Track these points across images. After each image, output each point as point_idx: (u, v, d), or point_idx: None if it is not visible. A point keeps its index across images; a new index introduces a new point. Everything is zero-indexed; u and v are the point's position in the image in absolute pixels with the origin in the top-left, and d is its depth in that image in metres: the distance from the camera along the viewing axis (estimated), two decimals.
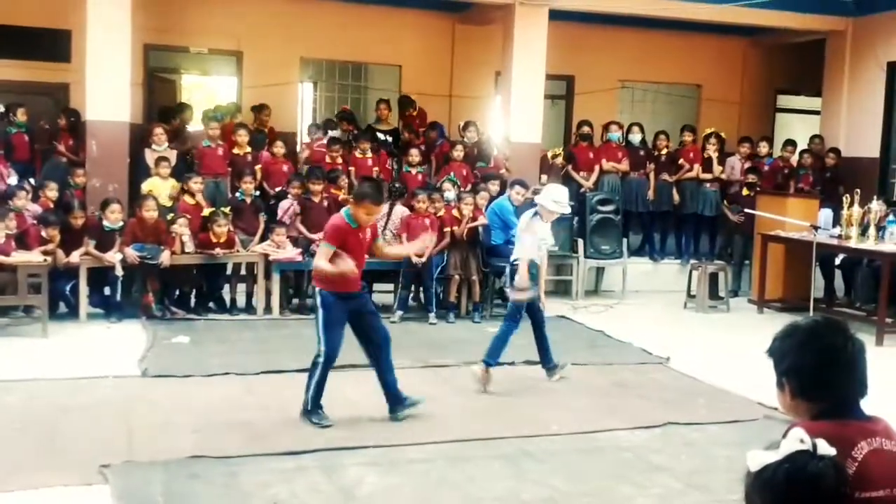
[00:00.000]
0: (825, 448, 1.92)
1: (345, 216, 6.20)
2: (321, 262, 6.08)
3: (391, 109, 13.03)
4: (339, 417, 6.32)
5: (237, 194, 10.36)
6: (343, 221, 6.18)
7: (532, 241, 7.30)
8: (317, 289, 6.20)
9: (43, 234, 9.03)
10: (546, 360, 7.60)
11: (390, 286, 10.47)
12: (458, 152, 11.57)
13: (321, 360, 6.14)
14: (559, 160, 12.30)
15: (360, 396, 6.81)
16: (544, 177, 12.00)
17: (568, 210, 7.62)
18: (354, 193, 6.52)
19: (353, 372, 7.16)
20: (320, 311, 6.14)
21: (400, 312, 9.79)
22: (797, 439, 1.93)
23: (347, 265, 6.02)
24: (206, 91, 19.49)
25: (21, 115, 11.12)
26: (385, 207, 9.58)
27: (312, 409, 6.20)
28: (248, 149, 11.22)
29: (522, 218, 7.51)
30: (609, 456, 5.79)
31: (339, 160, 11.28)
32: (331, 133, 12.24)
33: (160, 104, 13.52)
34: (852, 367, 2.26)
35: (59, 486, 4.91)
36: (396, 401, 6.39)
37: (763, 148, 13.12)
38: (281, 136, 11.80)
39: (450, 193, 10.34)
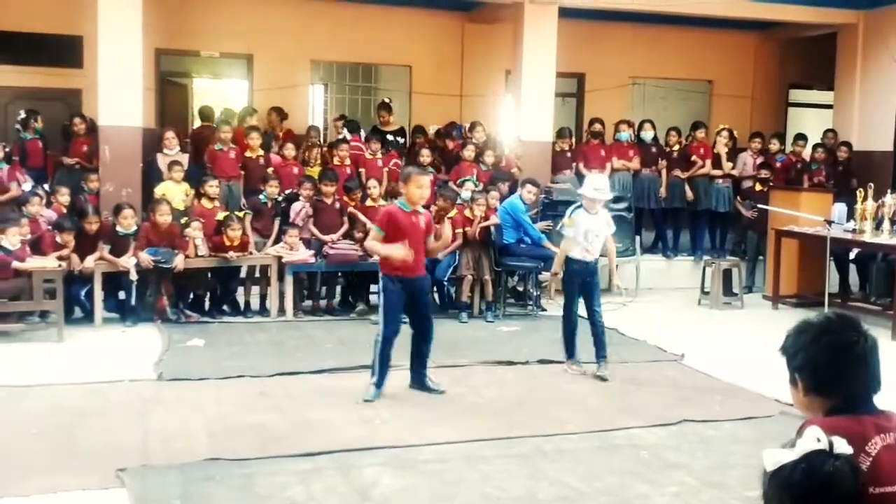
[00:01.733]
0: (842, 447, 1.91)
1: (398, 203, 6.89)
2: (371, 242, 6.86)
3: (392, 112, 13.01)
4: (354, 418, 6.34)
5: (260, 196, 10.35)
6: (393, 206, 6.90)
7: (573, 234, 7.51)
8: (380, 273, 6.80)
9: (58, 239, 9.08)
10: (596, 353, 7.76)
11: None
12: (469, 152, 11.57)
13: (379, 339, 6.73)
14: (559, 145, 12.23)
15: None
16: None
17: (607, 196, 7.79)
18: (401, 177, 7.25)
19: (365, 373, 7.17)
20: (381, 295, 6.80)
21: None
22: (813, 438, 1.92)
23: (398, 250, 6.59)
24: (217, 94, 19.54)
25: (39, 122, 11.22)
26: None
27: (375, 383, 6.75)
28: (261, 151, 11.27)
29: (566, 214, 7.75)
30: (625, 454, 5.78)
31: (347, 160, 11.31)
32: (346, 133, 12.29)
33: (172, 108, 13.63)
34: (865, 362, 2.25)
35: (77, 490, 4.93)
36: (418, 379, 7.07)
37: (773, 145, 13.07)
38: (292, 139, 11.82)
39: (465, 193, 10.36)
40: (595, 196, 7.52)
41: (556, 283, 7.71)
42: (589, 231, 7.54)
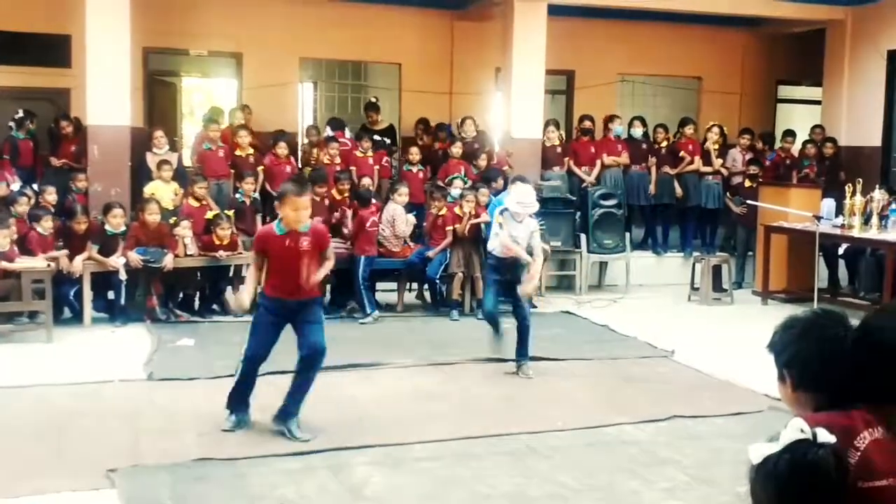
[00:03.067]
0: (825, 436, 1.92)
1: (274, 224, 5.95)
2: (249, 270, 6.12)
3: (379, 112, 13.01)
4: (345, 417, 6.34)
5: (237, 195, 10.40)
6: (268, 228, 6.01)
7: (503, 234, 7.53)
8: (260, 289, 6.10)
9: (39, 229, 8.99)
10: (517, 351, 7.71)
11: (393, 285, 10.48)
12: (457, 149, 11.57)
13: (241, 359, 6.03)
14: (548, 138, 12.19)
15: (364, 395, 6.83)
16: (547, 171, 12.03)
17: (533, 209, 7.66)
18: (277, 194, 6.18)
19: (356, 371, 7.19)
20: (254, 314, 6.06)
21: (376, 313, 9.75)
22: (797, 429, 1.93)
23: (242, 298, 6.02)
24: (206, 93, 19.50)
25: (33, 124, 11.23)
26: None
27: (229, 408, 6.04)
28: (251, 150, 11.25)
29: (496, 211, 7.76)
30: (615, 450, 5.80)
31: (338, 158, 11.30)
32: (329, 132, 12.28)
33: (161, 107, 13.61)
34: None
35: (67, 492, 4.92)
36: (283, 415, 5.99)
37: (759, 143, 13.12)
38: (282, 137, 11.79)
39: (455, 191, 10.36)
40: (518, 210, 7.51)
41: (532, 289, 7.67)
42: (514, 236, 7.56)
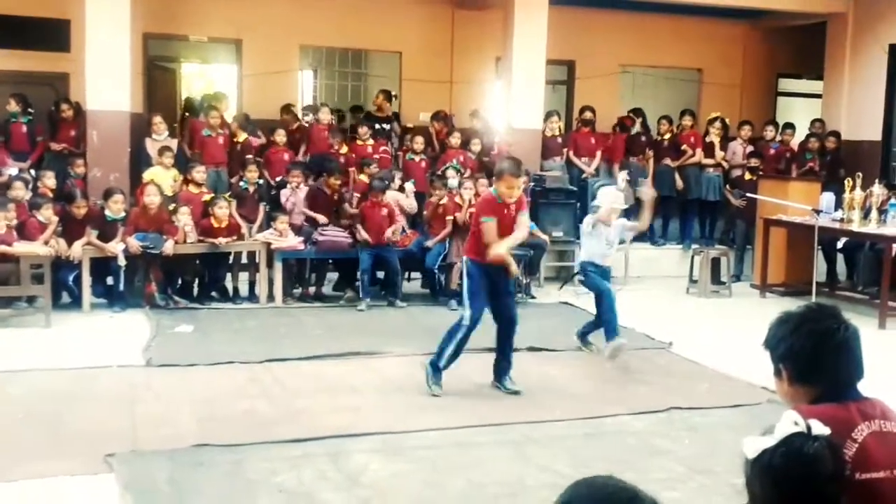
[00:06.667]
0: (819, 428, 1.93)
1: (492, 191, 6.71)
2: (492, 237, 6.53)
3: (389, 100, 13.01)
4: (344, 405, 6.35)
5: (241, 183, 10.38)
6: (490, 195, 6.71)
7: (597, 245, 7.89)
8: (465, 257, 6.81)
9: (40, 217, 8.99)
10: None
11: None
12: (455, 139, 11.57)
13: (465, 323, 6.57)
14: (548, 128, 12.21)
15: (363, 383, 6.84)
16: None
17: (620, 206, 8.00)
18: (495, 171, 6.88)
19: (355, 359, 7.19)
20: (466, 280, 6.73)
21: (367, 300, 9.75)
22: (791, 422, 1.94)
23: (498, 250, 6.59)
24: (205, 79, 19.45)
25: (30, 107, 11.20)
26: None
27: (436, 369, 6.64)
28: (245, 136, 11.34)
29: (585, 222, 8.07)
30: (613, 441, 5.81)
31: (344, 148, 11.33)
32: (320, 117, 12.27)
33: (160, 93, 13.59)
34: (846, 350, 2.28)
35: (65, 476, 4.93)
36: (497, 375, 6.87)
37: (769, 132, 13.10)
38: (282, 125, 11.78)
39: (452, 181, 10.34)
40: (614, 205, 7.82)
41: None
42: (609, 241, 7.94)
